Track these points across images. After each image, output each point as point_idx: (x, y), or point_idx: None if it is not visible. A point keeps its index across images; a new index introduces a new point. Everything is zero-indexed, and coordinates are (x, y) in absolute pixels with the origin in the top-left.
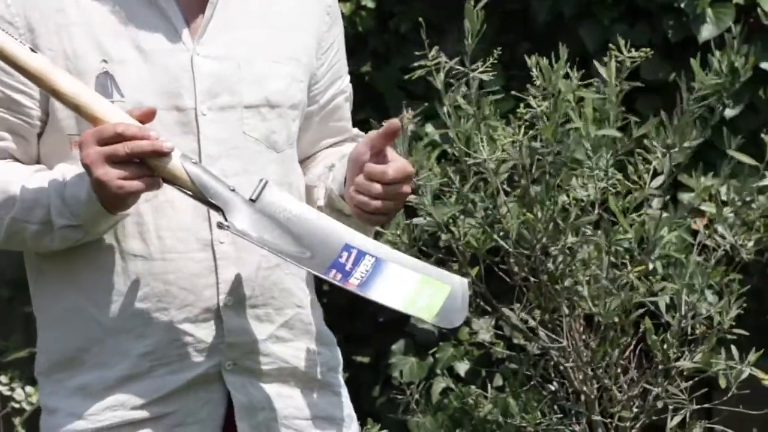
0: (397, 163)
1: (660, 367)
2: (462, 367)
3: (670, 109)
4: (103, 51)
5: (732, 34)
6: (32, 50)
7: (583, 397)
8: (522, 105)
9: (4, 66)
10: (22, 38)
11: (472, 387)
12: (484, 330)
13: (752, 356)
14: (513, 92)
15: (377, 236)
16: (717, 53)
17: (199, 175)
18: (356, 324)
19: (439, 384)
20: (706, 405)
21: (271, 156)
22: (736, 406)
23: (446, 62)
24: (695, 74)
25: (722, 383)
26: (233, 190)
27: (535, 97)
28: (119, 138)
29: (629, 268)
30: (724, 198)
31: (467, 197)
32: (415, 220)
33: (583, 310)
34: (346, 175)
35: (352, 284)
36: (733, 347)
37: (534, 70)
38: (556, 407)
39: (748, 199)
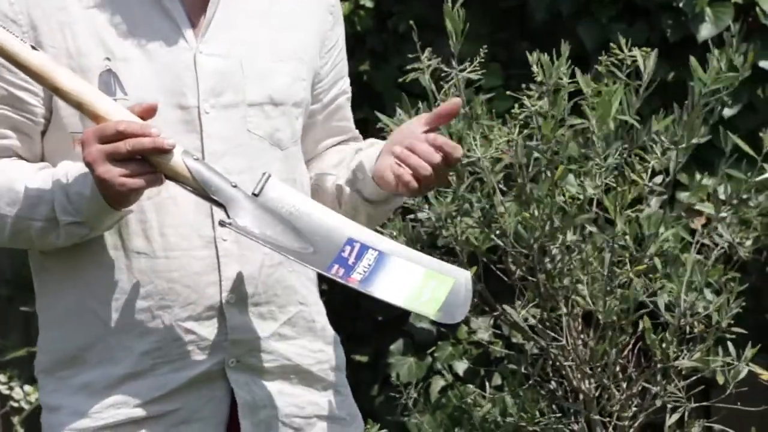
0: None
1: (659, 365)
2: (461, 367)
3: (668, 108)
4: (107, 49)
5: (731, 33)
6: (33, 48)
7: (581, 396)
8: (516, 105)
9: (7, 63)
10: (25, 36)
11: (471, 386)
12: (483, 329)
13: (749, 351)
14: (509, 92)
15: None
16: (716, 52)
17: (201, 171)
18: (355, 323)
19: (438, 383)
20: (704, 403)
21: (276, 153)
22: (735, 403)
23: (434, 64)
24: (695, 73)
25: (720, 380)
26: (235, 186)
27: (530, 97)
28: (120, 136)
29: (628, 266)
30: (722, 197)
31: (464, 197)
32: (419, 215)
33: (582, 308)
34: (385, 150)
35: (354, 280)
36: (731, 345)
37: (535, 66)
38: (554, 406)
39: (745, 197)
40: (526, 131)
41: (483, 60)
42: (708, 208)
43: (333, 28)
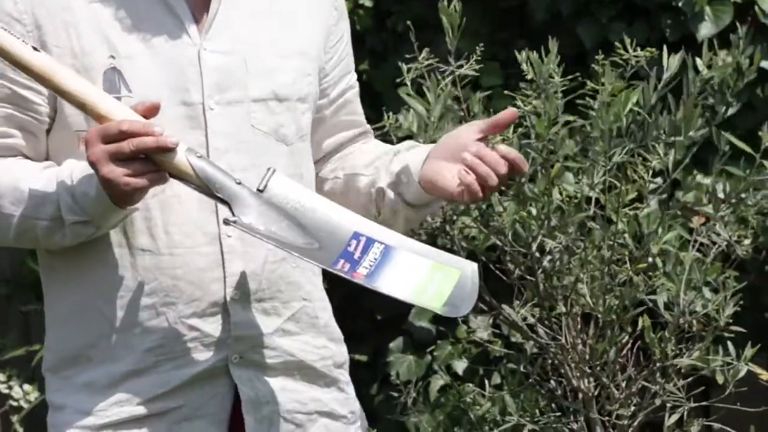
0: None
1: (658, 364)
2: (460, 366)
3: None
4: (111, 47)
5: (738, 35)
6: (35, 49)
7: (580, 395)
8: (511, 104)
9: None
10: (29, 35)
11: (470, 385)
12: (482, 328)
13: (749, 351)
14: (506, 91)
15: None
16: (721, 54)
17: (204, 169)
18: (354, 322)
19: (437, 382)
20: (703, 403)
21: (281, 149)
22: (734, 403)
23: (433, 63)
24: (698, 70)
25: (720, 380)
26: (240, 183)
27: (528, 96)
28: (123, 135)
29: (628, 265)
30: (720, 195)
31: None
32: None
33: (581, 307)
34: (433, 155)
35: (360, 275)
36: (730, 344)
37: (524, 65)
38: (553, 405)
39: (743, 195)
40: (520, 130)
41: (480, 58)
42: (705, 208)
43: (338, 23)
